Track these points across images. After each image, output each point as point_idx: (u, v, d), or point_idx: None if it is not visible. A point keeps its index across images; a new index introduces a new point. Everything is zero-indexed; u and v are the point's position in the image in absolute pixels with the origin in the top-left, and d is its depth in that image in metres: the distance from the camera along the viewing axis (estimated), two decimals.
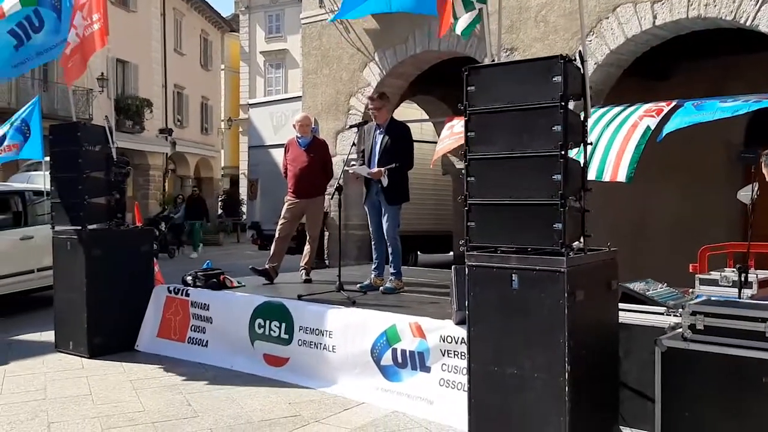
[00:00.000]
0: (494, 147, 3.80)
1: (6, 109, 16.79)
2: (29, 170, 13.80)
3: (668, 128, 5.45)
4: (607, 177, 5.64)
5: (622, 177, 5.62)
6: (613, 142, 5.78)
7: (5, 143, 8.56)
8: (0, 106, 16.12)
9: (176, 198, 20.19)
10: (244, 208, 32.37)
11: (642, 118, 6.12)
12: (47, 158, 7.12)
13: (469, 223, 3.88)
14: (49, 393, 5.28)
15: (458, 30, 4.99)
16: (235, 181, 36.32)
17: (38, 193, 9.21)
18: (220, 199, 34.05)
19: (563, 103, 3.57)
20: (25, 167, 14.53)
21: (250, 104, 15.96)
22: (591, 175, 4.86)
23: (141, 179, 26.41)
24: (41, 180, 8.88)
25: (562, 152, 3.56)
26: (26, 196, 9.35)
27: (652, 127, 6.02)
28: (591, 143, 3.91)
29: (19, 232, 8.94)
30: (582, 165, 3.85)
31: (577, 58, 3.78)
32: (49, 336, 6.92)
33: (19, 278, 8.80)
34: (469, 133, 3.88)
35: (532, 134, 3.66)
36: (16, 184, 11.12)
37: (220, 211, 32.35)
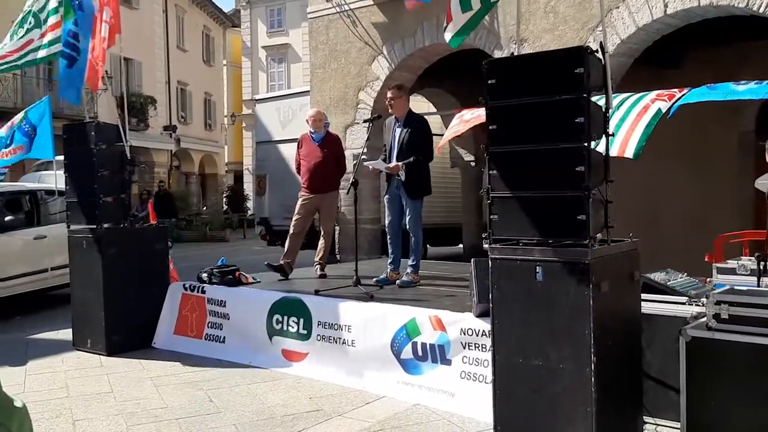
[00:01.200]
0: (516, 140, 3.79)
1: (12, 109, 16.78)
2: (39, 170, 13.83)
3: (679, 103, 5.41)
4: (614, 152, 5.57)
5: (629, 153, 5.56)
6: (624, 121, 5.74)
7: (12, 146, 8.58)
8: (6, 107, 16.11)
9: (141, 194, 19.43)
10: (249, 204, 32.48)
11: (654, 101, 6.10)
12: (58, 157, 7.14)
13: (492, 216, 3.88)
14: (71, 391, 5.31)
15: (446, 38, 4.97)
16: (239, 177, 36.36)
17: (50, 192, 9.23)
18: (224, 195, 34.09)
19: (586, 95, 3.57)
20: (35, 167, 14.56)
21: (256, 100, 15.96)
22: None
23: (146, 176, 26.44)
24: (52, 179, 8.91)
25: (586, 144, 3.55)
26: (38, 195, 9.38)
27: (663, 110, 6.00)
28: (613, 134, 3.90)
29: (32, 231, 8.97)
30: (605, 156, 3.84)
31: (599, 49, 3.77)
32: (66, 334, 6.96)
33: (34, 277, 8.84)
34: (490, 126, 3.88)
35: (555, 126, 3.65)
36: (27, 183, 11.13)
37: (225, 207, 32.39)
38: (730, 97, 5.71)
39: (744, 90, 5.59)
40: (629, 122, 5.70)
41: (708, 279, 5.22)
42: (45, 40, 6.72)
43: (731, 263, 5.53)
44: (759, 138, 8.97)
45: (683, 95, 5.92)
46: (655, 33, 7.79)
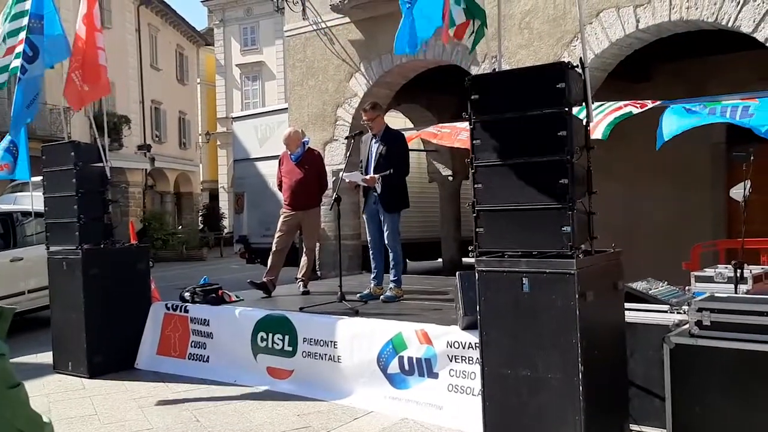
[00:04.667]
0: (500, 154, 3.87)
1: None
2: (14, 191, 13.65)
3: (668, 135, 5.57)
4: None
5: (598, 134, 5.81)
6: (598, 114, 6.03)
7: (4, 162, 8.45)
8: None
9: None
10: (225, 222, 32.30)
11: (626, 105, 6.34)
12: (35, 179, 7.07)
13: (477, 229, 3.94)
14: (54, 414, 5.22)
15: (468, 44, 5.06)
16: (214, 195, 36.20)
17: (26, 213, 9.13)
18: (200, 213, 33.88)
19: (567, 109, 3.65)
20: (9, 188, 14.37)
21: (233, 118, 15.93)
22: None
23: (120, 196, 26.18)
24: (28, 201, 8.81)
25: (569, 156, 3.63)
26: (14, 217, 9.27)
27: (634, 112, 6.21)
28: (593, 147, 3.99)
29: (8, 254, 8.85)
30: (587, 168, 3.93)
31: (578, 64, 3.86)
32: (45, 357, 6.86)
33: (10, 300, 8.68)
34: (474, 141, 3.94)
35: (538, 140, 3.73)
36: (3, 205, 10.98)
37: (201, 226, 32.18)
38: (711, 121, 5.90)
39: (717, 116, 5.75)
40: (601, 115, 5.97)
41: (687, 287, 5.33)
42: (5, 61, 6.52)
43: (708, 271, 5.65)
44: (730, 149, 9.19)
45: (657, 108, 6.12)
46: (627, 48, 7.97)
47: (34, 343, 7.78)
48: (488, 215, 3.92)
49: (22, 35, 6.33)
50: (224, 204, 33.82)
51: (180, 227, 30.20)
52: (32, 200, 7.98)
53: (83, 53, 6.62)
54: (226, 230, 30.10)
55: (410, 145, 10.42)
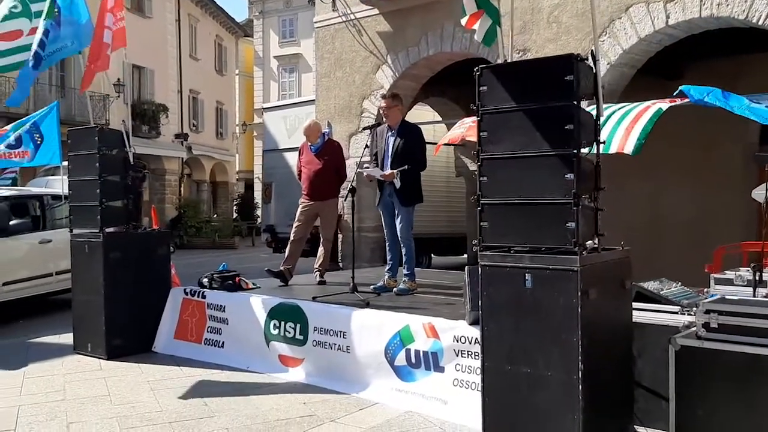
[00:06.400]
0: (507, 146, 3.82)
1: (24, 115, 17.01)
2: (47, 175, 13.97)
3: (695, 96, 5.31)
4: (614, 149, 5.52)
5: (629, 150, 5.47)
6: (624, 119, 5.69)
7: (20, 148, 8.66)
8: (18, 113, 16.27)
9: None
10: (258, 212, 32.65)
11: (654, 103, 6.07)
12: (65, 163, 7.22)
13: (482, 223, 3.90)
14: (68, 394, 5.35)
15: (478, 38, 4.99)
16: (249, 185, 36.54)
17: (56, 197, 9.33)
18: (235, 202, 34.25)
19: (575, 102, 3.59)
20: (42, 172, 14.71)
21: (264, 108, 16.07)
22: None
23: (157, 184, 26.63)
24: (59, 184, 8.99)
25: (575, 151, 3.56)
26: (44, 200, 9.48)
27: (664, 109, 5.93)
28: (604, 142, 3.91)
29: (37, 236, 9.05)
30: (595, 163, 3.86)
31: (589, 57, 3.78)
32: (67, 338, 7.01)
33: (38, 281, 8.92)
34: (481, 133, 3.90)
35: (545, 133, 3.67)
36: (34, 188, 11.25)
37: (235, 215, 32.54)
38: (746, 115, 5.65)
39: (758, 108, 5.49)
40: (629, 120, 5.66)
41: (705, 289, 5.21)
42: (29, 40, 6.62)
43: (729, 274, 5.52)
44: (762, 150, 8.95)
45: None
46: (657, 44, 7.80)
47: (59, 323, 7.95)
48: (493, 209, 3.88)
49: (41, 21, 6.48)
50: (259, 194, 34.14)
51: (215, 216, 30.61)
52: (63, 184, 8.15)
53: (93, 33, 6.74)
54: (258, 220, 30.40)
55: (438, 139, 10.42)
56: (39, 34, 6.35)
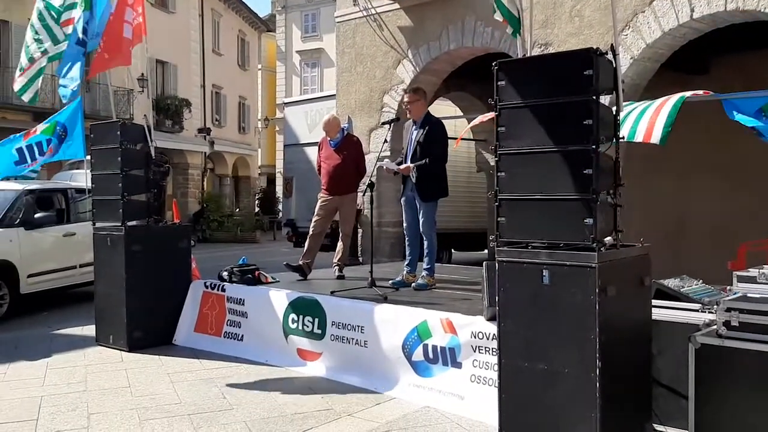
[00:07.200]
0: (525, 142, 3.78)
1: (49, 110, 17.23)
2: (71, 169, 14.15)
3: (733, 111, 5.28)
4: (639, 138, 5.47)
5: (655, 139, 5.44)
6: (648, 108, 5.65)
7: (49, 146, 8.77)
8: (43, 107, 16.50)
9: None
10: (280, 206, 32.78)
11: (677, 93, 5.99)
12: (88, 157, 7.30)
13: (499, 219, 3.88)
14: (90, 385, 5.43)
15: (509, 30, 4.99)
16: (271, 180, 36.70)
17: (80, 190, 9.44)
18: (257, 197, 34.45)
19: (595, 97, 3.54)
20: (67, 166, 14.90)
21: (285, 103, 16.11)
22: (623, 135, 4.68)
23: (180, 178, 26.85)
24: (83, 178, 9.08)
25: (594, 146, 3.52)
26: (69, 193, 9.62)
27: (687, 95, 5.82)
28: (623, 137, 3.86)
29: (62, 229, 9.19)
30: (615, 159, 3.81)
31: (609, 51, 3.74)
32: (90, 330, 7.11)
33: (62, 274, 9.06)
34: (499, 128, 3.87)
35: (564, 128, 3.63)
36: (59, 182, 11.40)
37: (257, 209, 32.72)
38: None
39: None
40: (653, 108, 5.61)
41: (728, 287, 5.13)
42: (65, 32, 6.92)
43: (752, 271, 5.41)
44: None
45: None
46: (681, 38, 7.68)
47: (83, 315, 8.04)
48: (510, 204, 3.85)
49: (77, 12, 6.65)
50: (280, 188, 34.28)
51: (237, 210, 30.79)
52: (86, 177, 8.24)
53: (109, 24, 6.84)
54: (280, 214, 30.52)
55: (459, 135, 10.39)
56: (81, 22, 6.59)
